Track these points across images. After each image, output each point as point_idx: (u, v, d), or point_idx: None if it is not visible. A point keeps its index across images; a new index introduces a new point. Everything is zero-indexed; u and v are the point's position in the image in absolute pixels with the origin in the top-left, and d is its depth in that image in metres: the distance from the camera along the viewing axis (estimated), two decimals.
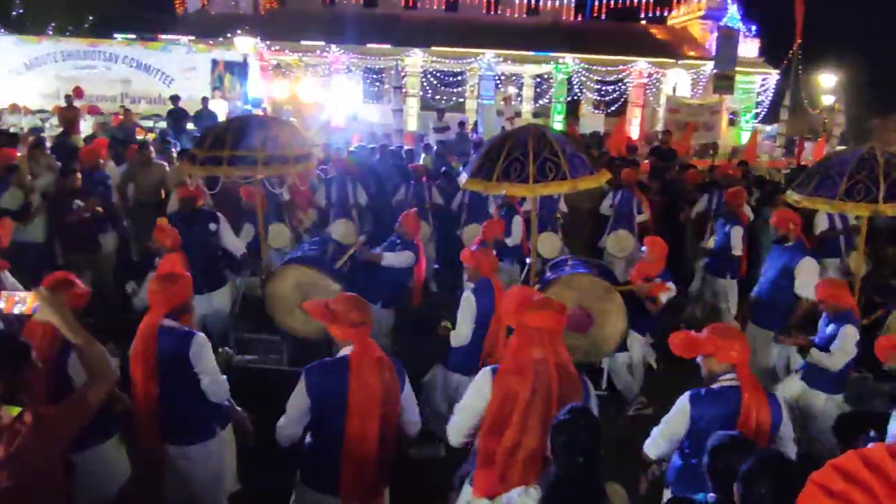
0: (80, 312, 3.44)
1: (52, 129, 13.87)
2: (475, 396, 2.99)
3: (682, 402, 3.14)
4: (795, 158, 17.03)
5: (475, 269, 4.71)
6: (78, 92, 14.54)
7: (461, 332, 4.62)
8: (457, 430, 3.05)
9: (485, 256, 4.76)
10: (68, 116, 12.86)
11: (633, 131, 21.01)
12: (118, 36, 19.71)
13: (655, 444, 3.26)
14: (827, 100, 25.66)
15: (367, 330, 3.07)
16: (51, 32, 21.32)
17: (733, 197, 7.14)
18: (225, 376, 3.56)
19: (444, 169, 9.75)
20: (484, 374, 3.01)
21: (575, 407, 2.54)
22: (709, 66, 21.72)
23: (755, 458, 2.21)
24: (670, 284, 5.39)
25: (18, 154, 7.62)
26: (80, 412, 2.34)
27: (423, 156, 11.41)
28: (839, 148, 16.40)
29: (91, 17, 25.48)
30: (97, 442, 3.39)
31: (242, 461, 3.85)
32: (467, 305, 4.61)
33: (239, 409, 3.84)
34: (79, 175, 6.96)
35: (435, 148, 11.97)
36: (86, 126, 13.82)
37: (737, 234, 6.87)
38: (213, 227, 5.89)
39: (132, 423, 3.48)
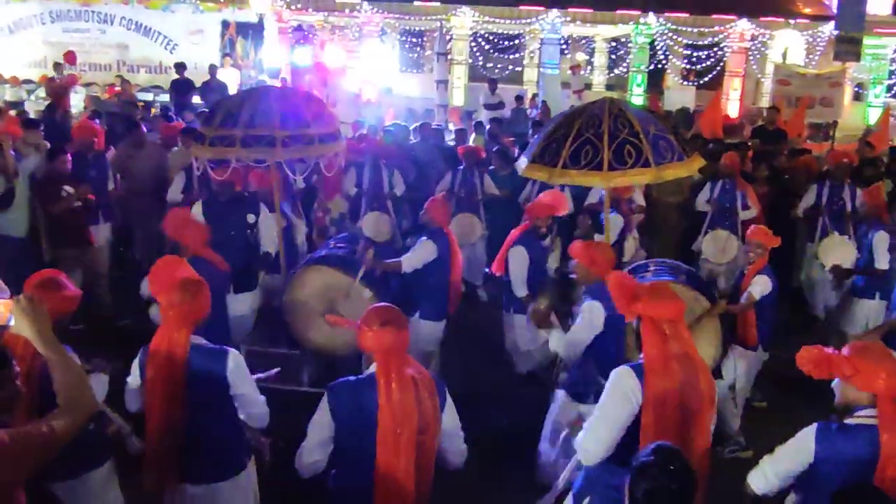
0: (67, 319, 3.58)
1: (38, 102, 14.35)
2: (621, 402, 3.09)
3: (807, 436, 3.11)
4: None
5: (589, 267, 4.62)
6: (70, 57, 14.97)
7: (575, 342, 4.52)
8: (601, 443, 3.11)
9: (601, 251, 4.64)
10: (57, 88, 13.24)
11: (732, 108, 20.62)
12: None
13: (764, 477, 3.21)
14: None
15: (403, 345, 3.13)
16: None
17: (872, 195, 6.95)
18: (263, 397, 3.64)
19: (495, 149, 9.76)
20: (625, 374, 3.15)
21: (663, 447, 2.56)
22: (829, 28, 21.19)
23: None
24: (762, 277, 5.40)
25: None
26: (41, 444, 2.30)
27: (472, 136, 11.43)
28: None
29: None
30: (84, 470, 3.50)
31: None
32: (591, 318, 4.55)
33: (260, 436, 3.95)
34: (69, 157, 7.19)
35: (488, 127, 11.99)
36: (77, 99, 14.22)
37: (881, 241, 6.48)
38: (251, 218, 6.03)
39: (140, 459, 3.55)
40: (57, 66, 14.30)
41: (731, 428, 5.66)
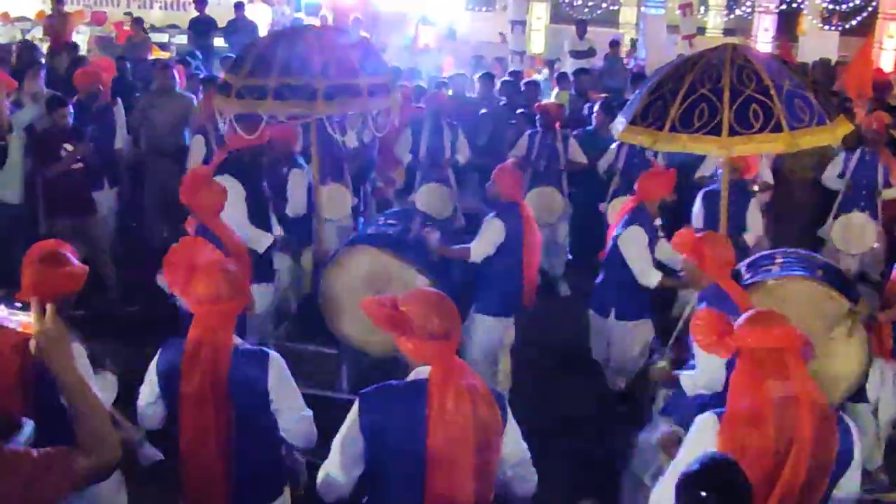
0: (70, 301, 3.69)
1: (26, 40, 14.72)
2: (695, 453, 3.02)
3: None
4: None
5: (700, 266, 4.57)
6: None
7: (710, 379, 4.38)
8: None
9: (713, 245, 4.56)
10: (56, 28, 13.54)
11: (886, 60, 20.08)
12: None
13: None
14: None
15: (452, 345, 3.10)
16: None
17: None
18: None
19: (587, 110, 9.68)
20: (705, 422, 3.10)
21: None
22: None
23: None
24: None
25: None
26: (59, 477, 2.35)
27: (555, 91, 11.38)
28: None
29: None
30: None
31: None
32: None
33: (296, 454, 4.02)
34: (70, 109, 7.34)
35: (573, 80, 11.92)
36: (80, 41, 14.52)
37: None
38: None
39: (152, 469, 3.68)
40: (57, 2, 14.62)
41: (873, 463, 5.55)
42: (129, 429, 3.82)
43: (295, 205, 6.55)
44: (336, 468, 3.13)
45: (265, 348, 3.63)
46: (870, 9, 21.32)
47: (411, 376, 3.13)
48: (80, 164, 7.17)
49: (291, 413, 3.51)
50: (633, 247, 5.68)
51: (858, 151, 8.07)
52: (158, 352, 3.58)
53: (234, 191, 5.39)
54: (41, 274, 3.47)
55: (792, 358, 2.99)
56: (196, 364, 3.37)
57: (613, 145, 8.28)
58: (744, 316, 3.11)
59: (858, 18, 21.47)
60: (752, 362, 3.00)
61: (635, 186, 6.04)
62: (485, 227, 5.83)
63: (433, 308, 3.05)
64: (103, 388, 3.64)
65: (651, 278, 5.62)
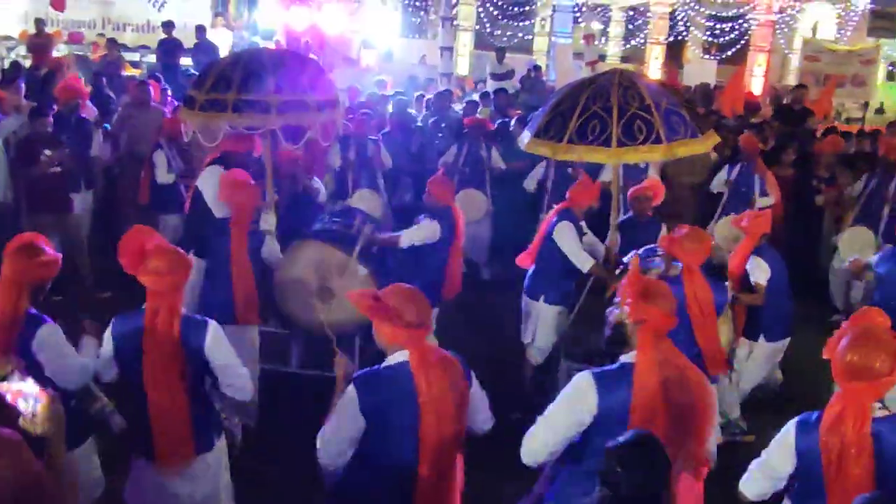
0: (46, 286, 3.64)
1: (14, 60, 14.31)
2: (572, 408, 3.09)
3: (787, 431, 3.14)
4: None
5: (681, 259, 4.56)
6: (58, 3, 14.87)
7: None
8: (542, 446, 3.13)
9: (692, 240, 4.48)
10: (39, 45, 13.21)
11: (756, 85, 20.57)
12: None
13: (753, 479, 3.27)
14: None
15: (425, 331, 3.13)
16: None
17: None
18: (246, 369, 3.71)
19: (516, 119, 9.79)
20: (580, 381, 3.11)
21: (640, 436, 2.61)
22: (863, 2, 21.12)
23: None
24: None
25: None
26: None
27: (480, 108, 11.47)
28: None
29: None
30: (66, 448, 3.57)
31: (246, 482, 4.03)
32: None
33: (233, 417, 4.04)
34: (50, 118, 7.23)
35: (493, 98, 12.01)
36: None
37: None
38: None
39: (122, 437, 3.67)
40: (38, 21, 14.24)
41: (731, 413, 5.79)
42: (103, 401, 3.80)
43: None
44: (340, 448, 3.11)
45: (206, 318, 3.65)
46: (742, 41, 21.85)
47: (391, 360, 3.14)
48: (58, 168, 7.05)
49: (228, 370, 3.57)
50: (566, 239, 5.70)
51: (739, 164, 8.26)
52: (111, 322, 3.62)
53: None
54: (19, 263, 3.44)
55: (666, 328, 3.11)
56: (154, 327, 3.45)
57: (539, 165, 8.33)
58: (639, 293, 3.13)
59: (733, 50, 21.98)
60: (651, 330, 3.05)
61: (567, 195, 6.07)
62: (422, 224, 5.86)
63: (411, 301, 3.10)
64: (87, 355, 3.65)
65: (585, 264, 5.65)
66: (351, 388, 3.08)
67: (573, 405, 3.07)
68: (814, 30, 21.87)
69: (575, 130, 4.74)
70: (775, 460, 3.16)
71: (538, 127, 5.04)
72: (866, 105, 18.19)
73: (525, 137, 5.24)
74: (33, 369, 3.39)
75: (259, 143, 5.96)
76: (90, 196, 7.96)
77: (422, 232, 5.83)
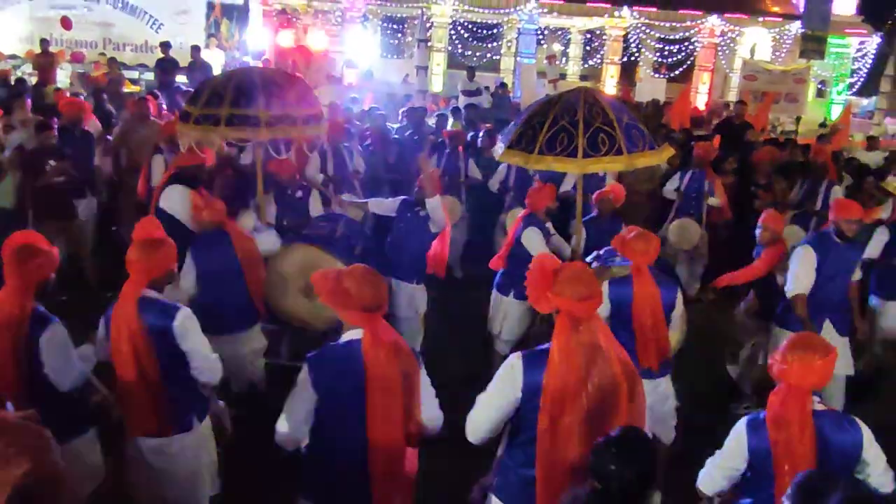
0: (49, 282, 3.56)
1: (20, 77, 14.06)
2: (501, 389, 3.04)
3: (739, 431, 3.12)
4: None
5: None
6: (66, 22, 14.61)
7: None
8: (482, 423, 3.09)
9: (641, 241, 4.35)
10: (43, 64, 13.01)
11: (700, 101, 20.78)
12: None
13: (710, 477, 3.23)
14: None
15: (381, 312, 3.07)
16: None
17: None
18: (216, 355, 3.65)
19: (471, 138, 9.77)
20: (511, 363, 3.05)
21: (630, 432, 2.58)
22: (795, 26, 21.38)
23: (843, 493, 2.19)
24: None
25: None
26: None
27: (450, 121, 11.43)
28: None
29: None
30: (69, 437, 3.45)
31: (234, 466, 3.94)
32: None
33: (221, 402, 3.95)
34: (55, 132, 7.11)
35: (464, 113, 11.97)
36: (63, 75, 13.98)
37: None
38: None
39: (121, 413, 3.59)
40: (43, 41, 14.02)
41: (745, 388, 5.91)
42: (104, 393, 3.71)
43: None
44: (292, 422, 3.06)
45: (178, 304, 3.60)
46: (688, 62, 22.05)
47: (345, 337, 3.09)
48: (62, 178, 6.94)
49: (197, 355, 3.52)
50: (533, 243, 5.69)
51: (691, 171, 8.29)
52: (109, 305, 3.59)
53: (183, 193, 5.49)
54: (20, 264, 3.37)
55: (595, 318, 3.03)
56: (116, 312, 3.45)
57: (501, 167, 8.30)
58: (563, 282, 3.00)
59: (680, 69, 22.16)
60: (568, 318, 2.95)
61: (525, 200, 6.09)
62: (387, 200, 6.23)
63: (366, 283, 3.01)
64: (83, 358, 3.58)
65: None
66: (304, 366, 3.04)
67: (504, 384, 3.03)
68: (752, 51, 22.10)
69: (545, 142, 4.76)
70: (730, 459, 3.14)
71: (511, 139, 5.04)
72: (798, 119, 18.42)
73: (499, 148, 5.24)
74: (34, 366, 3.35)
75: (210, 156, 6.05)
76: (94, 203, 7.80)
77: (385, 204, 6.01)
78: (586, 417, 2.87)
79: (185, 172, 5.82)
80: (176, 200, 5.58)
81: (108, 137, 8.67)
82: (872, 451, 3.01)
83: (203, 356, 3.57)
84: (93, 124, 8.53)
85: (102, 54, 16.06)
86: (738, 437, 3.10)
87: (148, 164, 7.51)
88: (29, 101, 8.69)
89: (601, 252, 5.42)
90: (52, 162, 6.88)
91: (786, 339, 3.18)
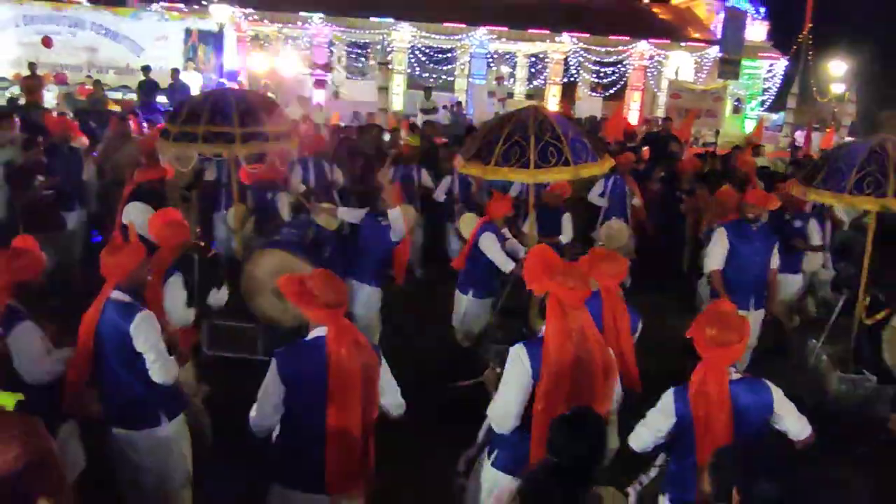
0: (31, 284, 3.43)
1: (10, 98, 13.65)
2: (519, 375, 3.05)
3: (667, 397, 3.20)
4: (802, 149, 17.17)
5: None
6: (46, 41, 14.20)
7: None
8: (510, 410, 3.07)
9: (610, 263, 4.07)
10: (31, 86, 12.67)
11: (632, 116, 21.04)
12: (84, 0, 19.33)
13: (639, 436, 3.30)
14: (837, 89, 25.94)
15: (342, 310, 3.07)
16: None
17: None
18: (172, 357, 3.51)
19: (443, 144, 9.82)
20: (516, 352, 3.08)
21: (580, 410, 2.58)
22: (714, 50, 21.79)
23: (751, 459, 2.21)
24: None
25: None
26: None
27: (409, 136, 11.39)
28: (848, 139, 16.52)
29: None
30: (52, 425, 3.33)
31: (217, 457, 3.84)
32: None
33: (202, 407, 3.83)
34: (42, 148, 6.91)
35: (422, 129, 11.94)
36: (50, 96, 13.61)
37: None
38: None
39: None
40: (31, 64, 13.62)
41: None
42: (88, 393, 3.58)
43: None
44: (263, 412, 3.03)
45: (140, 306, 3.43)
46: (622, 82, 22.33)
47: (311, 335, 3.07)
48: (50, 191, 6.73)
49: (150, 354, 3.36)
50: (490, 247, 5.70)
51: (613, 177, 8.35)
52: None
53: (143, 210, 5.25)
54: (2, 264, 3.31)
55: (581, 305, 3.10)
56: (88, 312, 3.39)
57: (446, 178, 8.28)
58: (541, 271, 3.10)
59: (614, 89, 22.44)
60: (559, 305, 3.02)
61: (485, 209, 6.04)
62: (354, 209, 6.04)
63: (328, 285, 3.02)
64: (58, 359, 3.45)
65: (506, 266, 5.64)
66: (273, 360, 3.01)
67: (518, 371, 3.07)
68: (676, 73, 22.47)
69: (500, 155, 4.77)
70: (657, 421, 3.21)
71: (470, 151, 5.03)
72: (717, 133, 18.77)
73: (459, 161, 5.23)
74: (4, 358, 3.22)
75: (170, 171, 5.96)
76: (83, 214, 7.57)
77: (353, 213, 5.94)
78: (572, 392, 2.94)
79: (143, 188, 5.62)
80: (136, 216, 5.32)
81: (94, 154, 8.44)
82: (784, 406, 3.16)
83: (157, 356, 3.39)
84: (80, 141, 8.27)
85: (88, 76, 15.71)
86: (666, 402, 3.18)
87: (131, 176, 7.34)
88: (17, 121, 8.39)
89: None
90: (39, 177, 6.68)
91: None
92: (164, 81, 14.17)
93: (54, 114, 10.32)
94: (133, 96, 14.58)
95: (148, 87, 13.86)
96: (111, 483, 3.56)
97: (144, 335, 3.35)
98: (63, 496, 2.08)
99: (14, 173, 6.80)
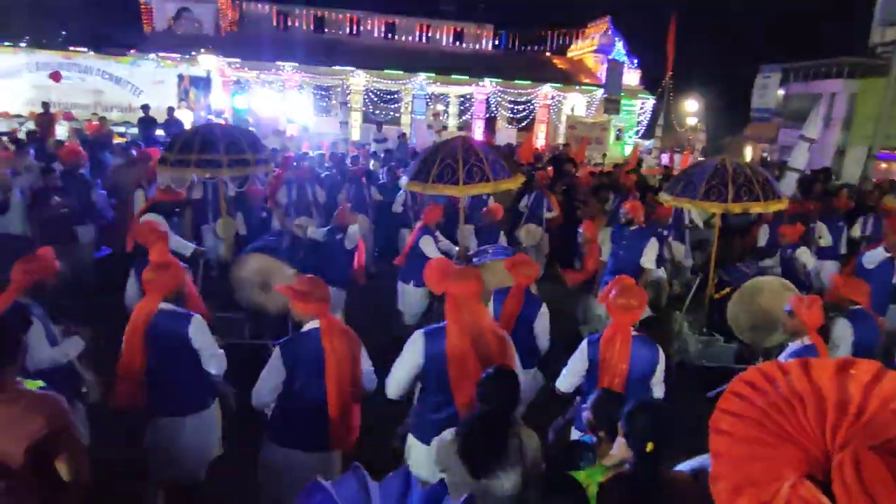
0: (46, 286, 3.26)
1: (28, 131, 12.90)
2: (409, 356, 2.97)
3: (583, 345, 3.26)
4: (667, 167, 17.82)
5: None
6: (55, 76, 13.44)
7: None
8: (397, 384, 3.01)
9: (525, 266, 3.99)
10: (44, 121, 12.01)
11: (540, 143, 21.40)
12: (90, 51, 18.44)
13: (564, 378, 3.35)
14: (691, 120, 27.06)
15: (328, 305, 3.02)
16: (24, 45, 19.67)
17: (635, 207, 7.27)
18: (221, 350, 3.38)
19: (387, 168, 9.76)
20: (415, 338, 2.98)
21: (500, 368, 2.57)
22: (600, 92, 22.37)
23: (635, 401, 2.30)
24: None
25: None
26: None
27: (371, 162, 11.29)
28: (700, 159, 17.17)
29: (64, 33, 23.68)
30: None
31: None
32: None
33: (224, 382, 3.70)
34: (57, 174, 6.58)
35: (382, 156, 11.87)
36: (61, 131, 12.91)
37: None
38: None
39: (112, 393, 3.25)
40: (45, 104, 12.89)
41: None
42: (88, 377, 3.38)
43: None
44: (267, 390, 2.94)
45: (191, 312, 3.30)
46: (531, 117, 22.67)
47: (306, 328, 2.99)
48: (65, 210, 6.40)
49: (207, 352, 3.23)
50: (427, 247, 5.68)
51: (534, 192, 8.45)
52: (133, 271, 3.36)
53: (158, 221, 5.05)
54: (17, 266, 3.18)
55: (474, 300, 2.95)
56: (133, 318, 3.18)
57: (400, 193, 8.21)
58: (440, 275, 2.99)
59: (525, 122, 22.76)
60: (455, 302, 2.91)
61: (421, 215, 6.05)
62: (319, 229, 5.80)
63: (315, 286, 2.98)
64: (64, 347, 3.25)
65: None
66: (276, 349, 2.94)
67: (412, 353, 2.97)
68: (572, 109, 22.93)
69: (435, 175, 4.75)
70: (577, 365, 3.28)
71: (412, 173, 5.01)
72: (604, 155, 19.27)
73: (404, 180, 5.21)
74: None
75: (183, 194, 5.83)
76: (93, 229, 7.19)
77: (319, 231, 5.83)
78: (475, 368, 2.86)
79: (160, 205, 5.42)
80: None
81: (98, 181, 8.02)
82: (660, 365, 3.26)
83: (213, 353, 3.26)
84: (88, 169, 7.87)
85: (94, 114, 14.99)
86: (582, 349, 3.27)
87: (131, 197, 7.04)
88: (32, 152, 7.93)
89: (479, 250, 5.50)
90: (56, 198, 6.34)
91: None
92: (161, 118, 13.63)
93: (67, 146, 9.82)
94: (134, 130, 13.99)
95: (147, 123, 13.29)
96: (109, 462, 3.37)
97: (201, 336, 3.21)
98: (79, 456, 2.05)
99: (34, 195, 6.44)
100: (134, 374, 3.17)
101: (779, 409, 0.68)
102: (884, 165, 17.56)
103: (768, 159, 17.74)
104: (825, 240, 7.17)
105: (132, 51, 17.71)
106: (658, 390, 3.25)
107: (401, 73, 21.01)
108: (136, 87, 16.39)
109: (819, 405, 0.67)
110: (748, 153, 24.17)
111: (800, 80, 23.04)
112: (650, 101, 23.66)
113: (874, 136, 15.99)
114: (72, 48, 16.53)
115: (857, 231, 7.65)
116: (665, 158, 19.32)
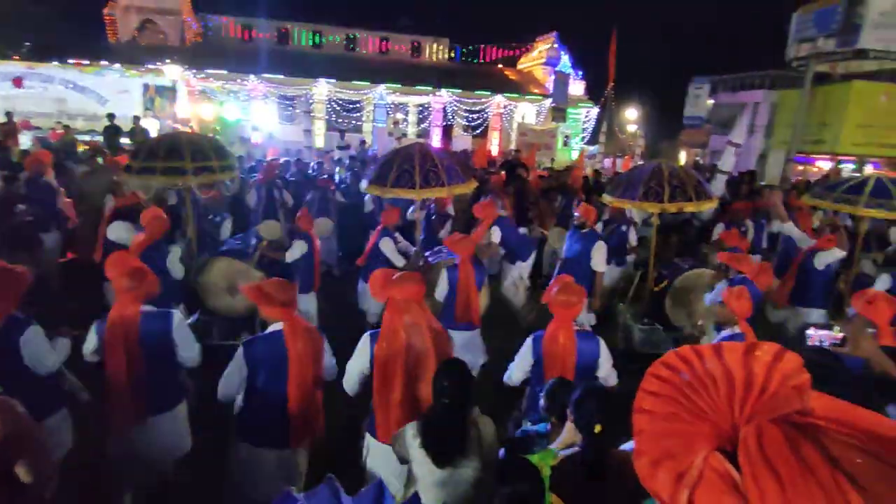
0: (24, 294, 3.07)
1: None
2: (358, 357, 2.96)
3: (528, 342, 3.28)
4: (610, 170, 18.23)
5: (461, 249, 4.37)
6: (17, 82, 12.78)
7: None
8: (350, 381, 2.99)
9: (462, 241, 4.36)
10: (7, 130, 11.39)
11: (493, 149, 21.58)
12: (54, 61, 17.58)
13: (512, 373, 3.36)
14: (631, 127, 27.77)
15: (293, 308, 2.94)
16: None
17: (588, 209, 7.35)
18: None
19: (351, 172, 9.70)
20: (364, 339, 2.95)
21: (450, 361, 2.56)
22: (548, 101, 22.71)
23: (582, 387, 2.35)
24: None
25: None
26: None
27: (337, 168, 11.13)
28: (639, 163, 17.62)
29: (27, 44, 22.46)
30: (42, 416, 2.99)
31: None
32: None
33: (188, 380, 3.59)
34: (21, 182, 6.24)
35: (347, 163, 11.75)
36: (25, 139, 12.28)
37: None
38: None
39: (103, 401, 3.09)
40: (8, 113, 12.22)
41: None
42: (73, 381, 3.27)
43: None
44: (231, 386, 2.88)
45: (170, 310, 3.19)
46: (485, 124, 22.82)
47: (271, 329, 2.92)
48: (29, 218, 6.08)
49: (187, 346, 3.15)
50: (386, 248, 5.63)
51: (490, 194, 8.43)
52: (95, 323, 3.10)
53: (126, 227, 4.96)
54: None
55: (416, 302, 2.89)
56: (114, 325, 3.00)
57: (368, 197, 8.09)
58: (392, 279, 2.92)
59: (480, 129, 22.89)
60: (395, 305, 2.86)
61: (379, 219, 5.97)
62: (294, 246, 5.53)
63: (281, 289, 2.90)
64: (59, 350, 3.08)
65: (399, 262, 5.56)
66: (240, 347, 2.88)
67: (360, 353, 2.96)
68: (523, 118, 23.22)
69: (394, 179, 4.72)
70: (523, 360, 3.29)
71: (372, 177, 4.97)
72: (553, 160, 19.56)
73: (364, 184, 5.15)
74: (14, 357, 2.87)
75: (141, 197, 5.65)
76: (58, 235, 6.87)
77: (296, 250, 5.51)
78: (405, 370, 2.81)
79: (123, 210, 5.27)
80: (120, 232, 5.01)
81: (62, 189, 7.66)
82: (604, 355, 3.29)
83: (192, 346, 3.16)
84: (53, 176, 7.50)
85: (59, 122, 14.30)
86: (528, 345, 3.28)
87: (102, 207, 6.75)
88: None
89: (434, 250, 5.49)
90: (20, 206, 6.02)
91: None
92: (127, 127, 13.12)
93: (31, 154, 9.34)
94: (100, 138, 13.42)
95: (113, 131, 12.77)
96: (90, 465, 3.24)
97: (184, 331, 3.12)
98: (40, 463, 1.88)
99: None
100: (124, 382, 3.03)
101: (693, 388, 0.71)
102: (800, 167, 18.42)
103: (700, 162, 18.33)
104: (750, 234, 7.47)
105: (100, 61, 16.97)
106: (611, 380, 3.28)
107: (362, 83, 20.82)
108: (101, 97, 15.76)
109: (729, 384, 0.71)
110: (682, 157, 24.96)
111: (727, 90, 23.92)
112: (594, 110, 24.16)
113: (791, 142, 16.78)
114: (35, 59, 15.69)
115: (775, 227, 8.00)
116: (608, 162, 19.74)
